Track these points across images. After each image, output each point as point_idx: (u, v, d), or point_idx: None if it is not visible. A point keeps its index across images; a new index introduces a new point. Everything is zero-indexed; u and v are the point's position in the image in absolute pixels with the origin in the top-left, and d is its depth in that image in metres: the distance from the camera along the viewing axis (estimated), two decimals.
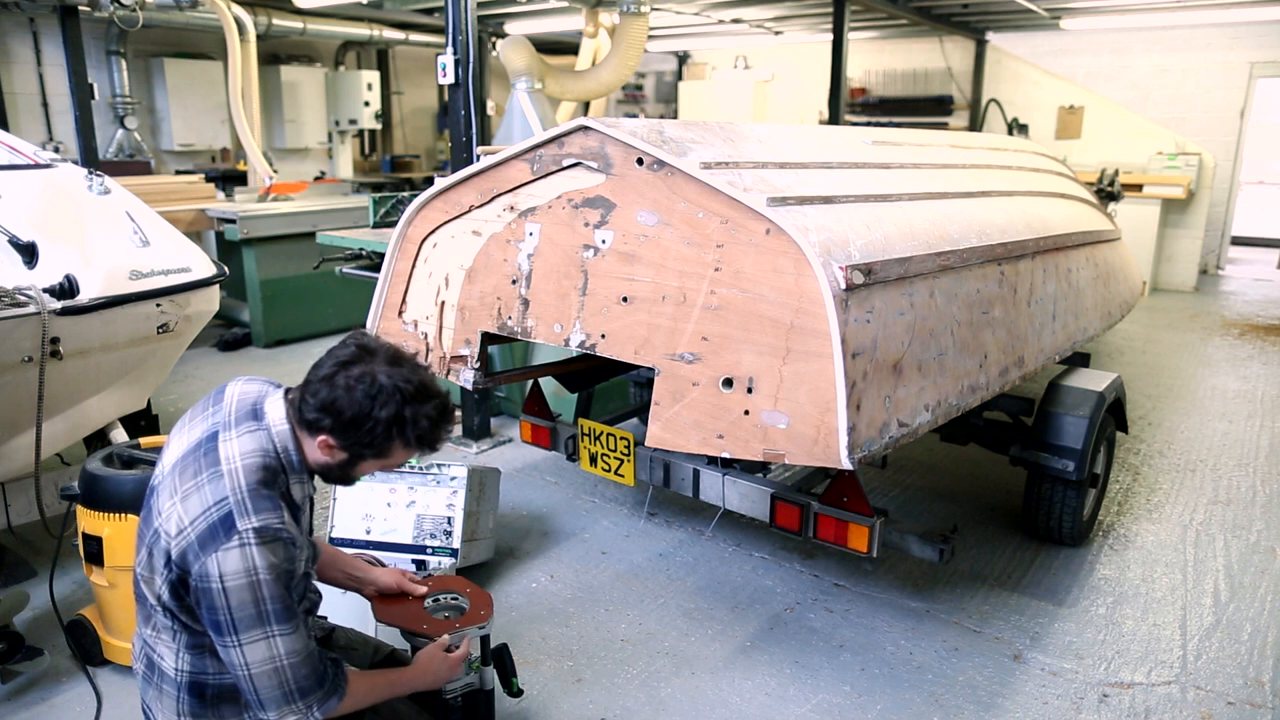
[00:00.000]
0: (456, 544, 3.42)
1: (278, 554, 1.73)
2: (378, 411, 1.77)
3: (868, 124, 11.35)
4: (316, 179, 10.88)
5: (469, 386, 3.19)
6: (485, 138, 6.07)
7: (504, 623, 3.37)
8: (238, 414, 1.86)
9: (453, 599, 2.38)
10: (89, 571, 2.92)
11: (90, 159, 8.95)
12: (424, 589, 2.37)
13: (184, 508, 1.75)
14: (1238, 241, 12.75)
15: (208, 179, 8.57)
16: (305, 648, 1.79)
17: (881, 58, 12.88)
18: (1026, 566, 3.89)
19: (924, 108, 12.38)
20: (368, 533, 3.40)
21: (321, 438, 1.80)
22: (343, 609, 2.99)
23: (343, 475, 1.91)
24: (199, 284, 3.88)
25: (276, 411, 1.85)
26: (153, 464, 2.88)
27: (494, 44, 11.30)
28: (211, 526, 1.71)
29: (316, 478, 1.94)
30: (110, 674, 3.01)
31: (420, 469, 3.52)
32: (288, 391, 1.90)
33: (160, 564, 1.78)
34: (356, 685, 1.91)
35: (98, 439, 3.93)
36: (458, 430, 5.47)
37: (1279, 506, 4.54)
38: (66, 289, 3.36)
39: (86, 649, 3.03)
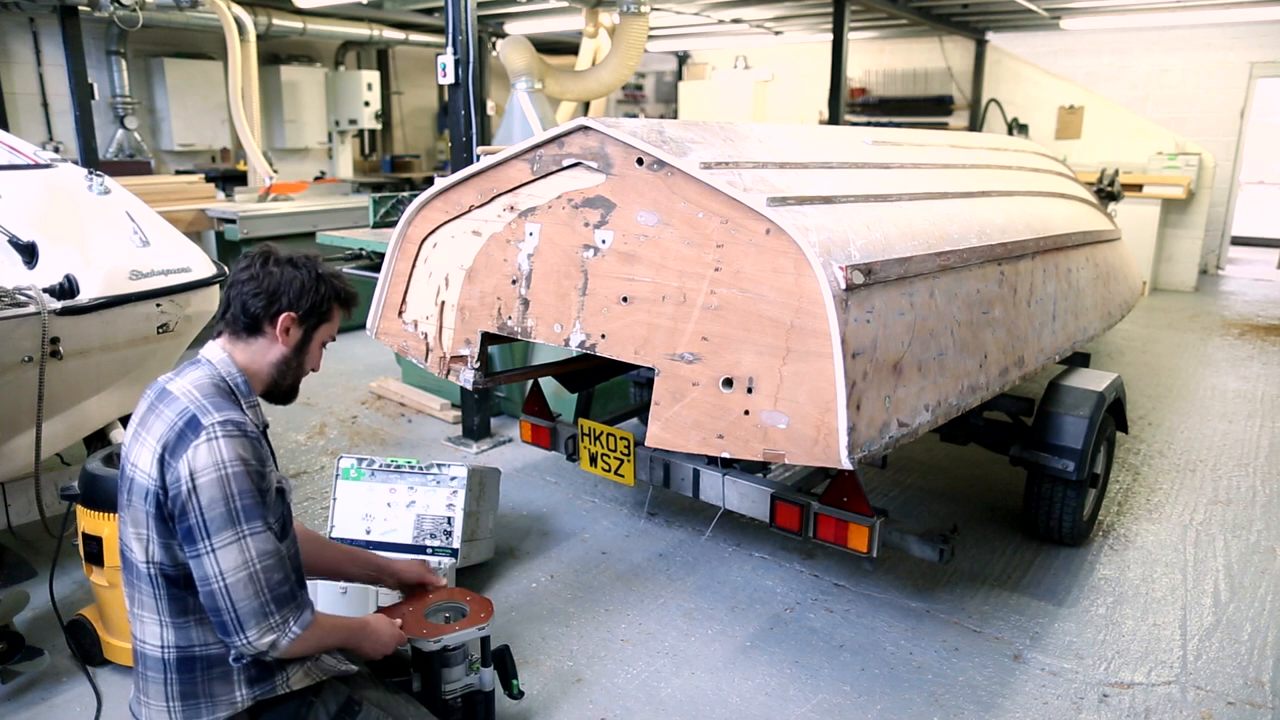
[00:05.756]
0: (456, 544, 3.42)
1: (246, 449, 1.81)
2: (313, 277, 2.00)
3: (868, 124, 11.35)
4: (316, 179, 10.88)
5: (469, 386, 3.19)
6: (485, 138, 6.06)
7: (504, 623, 3.37)
8: (176, 370, 1.98)
9: (453, 605, 2.41)
10: (89, 571, 2.92)
11: (90, 159, 8.96)
12: (443, 582, 2.46)
13: (151, 435, 1.85)
14: (1238, 241, 12.75)
15: (208, 179, 8.58)
16: (276, 550, 1.84)
17: (881, 58, 12.88)
18: (1026, 566, 3.89)
19: (924, 108, 12.38)
20: (367, 533, 3.39)
21: (282, 317, 1.97)
22: (341, 610, 2.98)
23: (294, 373, 2.05)
24: (199, 284, 3.88)
25: (212, 351, 1.99)
26: None
27: (494, 44, 11.30)
28: (179, 433, 1.81)
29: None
30: (110, 674, 3.00)
31: (420, 469, 3.51)
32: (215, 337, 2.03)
33: (141, 503, 1.83)
34: (322, 616, 1.96)
35: (98, 439, 3.93)
36: (458, 430, 5.47)
37: (1279, 506, 4.54)
38: (66, 289, 3.36)
39: (86, 649, 3.03)
